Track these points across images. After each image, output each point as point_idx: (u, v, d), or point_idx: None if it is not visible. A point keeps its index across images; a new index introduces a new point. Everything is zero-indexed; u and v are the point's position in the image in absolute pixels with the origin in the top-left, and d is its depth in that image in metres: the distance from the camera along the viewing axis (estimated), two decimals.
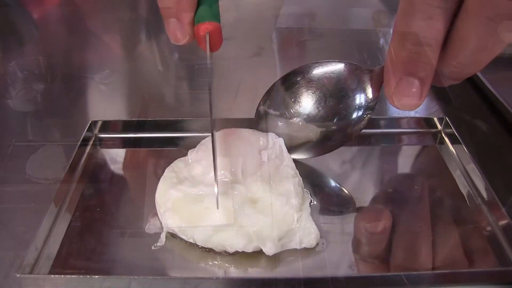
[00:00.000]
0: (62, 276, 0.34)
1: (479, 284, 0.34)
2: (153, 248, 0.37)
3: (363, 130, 0.48)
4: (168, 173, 0.40)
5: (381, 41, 0.74)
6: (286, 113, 0.42)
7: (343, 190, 0.42)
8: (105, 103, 0.59)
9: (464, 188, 0.42)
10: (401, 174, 0.45)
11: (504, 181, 0.43)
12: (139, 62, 0.71)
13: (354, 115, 0.39)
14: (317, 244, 0.37)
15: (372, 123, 0.49)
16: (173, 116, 0.50)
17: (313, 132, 0.41)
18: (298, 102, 0.41)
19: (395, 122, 0.50)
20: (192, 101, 0.60)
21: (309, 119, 0.41)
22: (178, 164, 0.41)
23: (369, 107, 0.39)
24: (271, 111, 0.42)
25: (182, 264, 0.36)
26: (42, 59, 0.63)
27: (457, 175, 0.44)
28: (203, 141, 0.43)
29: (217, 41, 0.36)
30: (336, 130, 0.41)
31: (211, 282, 0.33)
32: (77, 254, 0.36)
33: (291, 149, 0.42)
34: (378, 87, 0.38)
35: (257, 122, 0.44)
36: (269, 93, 0.42)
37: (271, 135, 0.42)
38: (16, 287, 0.34)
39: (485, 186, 0.40)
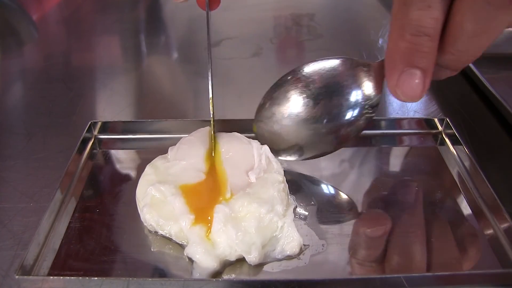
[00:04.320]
0: (61, 277, 0.34)
1: (479, 285, 0.34)
2: (152, 249, 0.37)
3: (364, 131, 0.48)
4: (149, 169, 0.41)
5: (380, 41, 0.74)
6: (284, 117, 0.40)
7: (342, 192, 0.42)
8: (104, 104, 0.59)
9: (464, 189, 0.42)
10: (401, 175, 0.45)
11: (505, 182, 0.43)
12: (139, 63, 0.71)
13: (356, 114, 0.38)
14: (300, 251, 0.36)
15: (372, 124, 0.49)
16: (173, 117, 0.50)
17: (313, 134, 0.40)
18: (296, 105, 0.40)
19: (395, 123, 0.49)
20: (192, 102, 0.60)
21: (308, 121, 0.40)
22: (158, 160, 0.42)
23: (372, 104, 0.37)
24: (269, 116, 0.41)
25: (181, 266, 0.35)
26: None
27: (458, 176, 0.43)
28: (183, 140, 0.43)
29: (216, 1, 0.39)
30: (338, 131, 0.39)
31: (211, 285, 0.33)
32: (76, 255, 0.36)
33: (291, 152, 0.42)
34: (380, 82, 0.36)
35: (257, 131, 0.43)
36: (266, 98, 0.41)
37: (256, 145, 0.41)
38: (15, 287, 0.34)
39: (486, 187, 0.40)
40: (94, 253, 0.36)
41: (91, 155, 0.47)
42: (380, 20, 0.84)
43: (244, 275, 0.35)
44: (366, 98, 0.37)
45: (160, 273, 0.35)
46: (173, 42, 0.79)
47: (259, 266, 0.35)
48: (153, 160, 0.42)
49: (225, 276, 0.34)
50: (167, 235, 0.37)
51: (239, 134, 0.44)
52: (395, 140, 0.49)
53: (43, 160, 0.47)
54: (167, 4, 0.92)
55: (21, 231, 0.38)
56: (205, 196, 0.38)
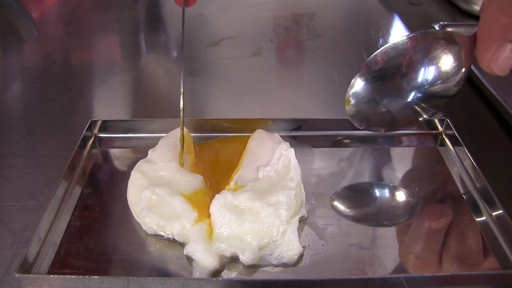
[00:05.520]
0: (61, 276, 0.34)
1: (479, 286, 0.34)
2: (152, 248, 0.37)
3: (364, 132, 0.48)
4: (136, 174, 0.40)
5: (380, 41, 0.74)
6: (377, 89, 0.41)
7: (342, 191, 0.42)
8: (104, 102, 0.58)
9: (464, 190, 0.42)
10: (401, 176, 0.45)
11: (505, 183, 0.43)
12: (138, 61, 0.71)
13: (445, 88, 0.39)
14: (298, 260, 0.35)
15: None
16: (173, 116, 0.50)
17: (405, 106, 0.41)
18: (386, 83, 0.40)
19: None
20: (192, 101, 0.60)
21: (400, 93, 0.40)
22: (143, 165, 0.41)
23: (461, 77, 0.38)
24: (363, 89, 0.41)
25: (181, 265, 0.35)
26: None
27: (458, 177, 0.44)
28: (163, 142, 0.43)
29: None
30: (428, 102, 0.40)
31: (211, 284, 0.33)
32: (76, 254, 0.36)
33: (381, 123, 0.43)
34: (470, 56, 0.36)
35: (350, 104, 0.42)
36: (360, 72, 0.41)
37: (282, 147, 0.42)
38: (15, 286, 0.34)
39: (486, 188, 0.40)
40: (94, 252, 0.36)
41: (91, 154, 0.47)
42: (380, 20, 0.84)
43: (244, 274, 0.35)
44: (457, 71, 0.38)
45: (160, 272, 0.35)
46: (172, 41, 0.79)
47: (259, 265, 0.35)
48: (137, 165, 0.41)
49: (225, 275, 0.34)
50: (170, 235, 0.37)
51: (277, 134, 0.44)
52: (395, 140, 0.49)
53: (43, 158, 0.47)
54: (167, 3, 0.92)
55: (21, 229, 0.38)
56: (205, 195, 0.38)
